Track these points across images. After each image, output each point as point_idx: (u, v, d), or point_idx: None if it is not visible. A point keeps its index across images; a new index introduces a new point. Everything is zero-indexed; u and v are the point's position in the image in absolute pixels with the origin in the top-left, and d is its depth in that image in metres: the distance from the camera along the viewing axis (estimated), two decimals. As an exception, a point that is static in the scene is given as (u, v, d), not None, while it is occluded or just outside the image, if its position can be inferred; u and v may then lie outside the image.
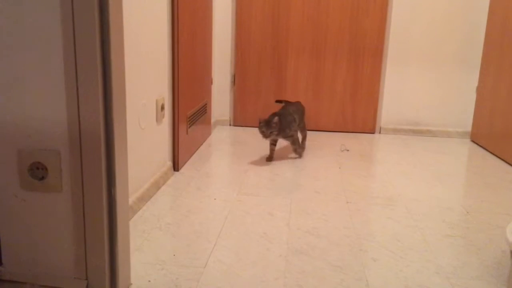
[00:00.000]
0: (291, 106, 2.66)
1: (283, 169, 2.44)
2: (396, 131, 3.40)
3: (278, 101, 2.88)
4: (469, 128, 3.32)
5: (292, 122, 2.55)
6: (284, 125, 2.48)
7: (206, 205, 1.90)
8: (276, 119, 2.40)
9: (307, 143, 2.83)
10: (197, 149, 2.76)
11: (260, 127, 2.42)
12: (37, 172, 1.11)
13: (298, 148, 2.63)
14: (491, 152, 2.93)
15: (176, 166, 2.32)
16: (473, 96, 3.27)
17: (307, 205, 1.94)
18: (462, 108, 3.33)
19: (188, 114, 2.46)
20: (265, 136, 2.41)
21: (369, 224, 1.77)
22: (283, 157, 2.67)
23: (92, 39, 1.02)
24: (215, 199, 1.97)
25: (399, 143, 3.13)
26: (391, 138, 3.27)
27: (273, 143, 2.59)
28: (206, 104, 2.93)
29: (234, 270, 1.39)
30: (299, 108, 2.73)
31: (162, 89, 2.08)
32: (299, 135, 2.70)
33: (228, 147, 2.87)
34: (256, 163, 2.53)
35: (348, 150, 2.88)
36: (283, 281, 1.33)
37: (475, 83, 3.25)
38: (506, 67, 2.78)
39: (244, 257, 1.47)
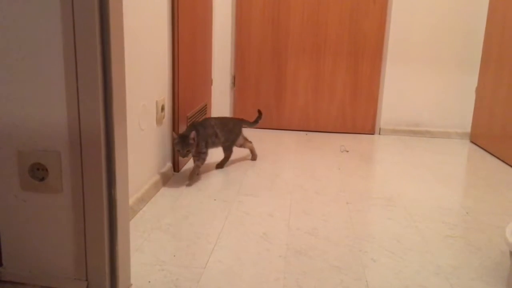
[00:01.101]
0: (215, 119, 2.36)
1: (283, 169, 2.44)
2: (395, 132, 3.41)
3: (259, 111, 2.59)
4: (468, 129, 3.32)
5: (212, 137, 2.26)
6: (201, 138, 2.16)
7: (206, 206, 1.90)
8: (193, 134, 2.05)
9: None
10: (197, 150, 2.76)
11: (175, 145, 2.09)
12: (37, 173, 1.11)
13: (197, 169, 2.21)
14: (490, 153, 2.93)
15: (176, 167, 2.33)
16: (472, 97, 3.27)
17: (307, 205, 1.94)
18: (461, 109, 3.33)
19: (188, 115, 2.46)
20: (182, 155, 2.08)
21: (368, 224, 1.77)
22: (283, 157, 2.67)
23: (92, 39, 1.02)
24: (215, 199, 1.97)
25: (398, 144, 3.13)
26: (390, 139, 3.28)
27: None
28: (206, 105, 2.94)
29: (234, 270, 1.39)
30: (228, 123, 2.39)
31: (162, 90, 2.08)
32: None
33: (228, 148, 2.87)
34: (255, 163, 2.53)
35: (347, 151, 2.88)
36: (283, 281, 1.33)
37: (474, 84, 3.25)
38: (506, 68, 2.79)
39: (244, 257, 1.47)
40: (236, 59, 3.38)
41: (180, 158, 2.33)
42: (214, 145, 2.31)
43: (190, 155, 2.15)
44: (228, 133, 2.38)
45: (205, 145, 2.20)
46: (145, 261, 1.42)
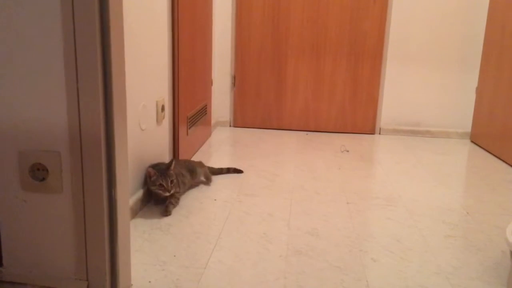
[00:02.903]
0: (165, 163, 1.95)
1: (283, 169, 2.44)
2: (395, 131, 3.41)
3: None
4: (468, 128, 3.32)
5: (180, 176, 1.92)
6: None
7: (206, 206, 1.90)
8: (171, 162, 1.81)
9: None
10: (198, 150, 2.76)
11: (155, 180, 1.75)
12: (37, 173, 1.11)
13: (173, 206, 1.85)
14: (490, 153, 2.93)
15: (176, 167, 2.32)
16: (472, 97, 3.27)
17: (307, 205, 1.94)
18: (461, 109, 3.33)
19: (188, 115, 2.46)
20: (168, 189, 1.76)
21: (369, 224, 1.77)
22: (283, 157, 2.67)
23: (93, 40, 1.02)
24: (215, 199, 1.97)
25: (398, 144, 3.13)
26: (390, 139, 3.28)
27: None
28: (206, 105, 2.94)
29: (234, 270, 1.39)
30: (182, 166, 2.03)
31: (162, 90, 2.08)
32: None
33: (228, 148, 2.88)
34: (256, 163, 2.53)
35: (348, 151, 2.88)
36: (283, 281, 1.33)
37: (474, 83, 3.25)
38: (506, 68, 2.79)
39: (244, 257, 1.47)
40: (236, 60, 3.38)
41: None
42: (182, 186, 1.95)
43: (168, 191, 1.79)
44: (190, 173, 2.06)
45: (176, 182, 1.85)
46: (145, 261, 1.42)
